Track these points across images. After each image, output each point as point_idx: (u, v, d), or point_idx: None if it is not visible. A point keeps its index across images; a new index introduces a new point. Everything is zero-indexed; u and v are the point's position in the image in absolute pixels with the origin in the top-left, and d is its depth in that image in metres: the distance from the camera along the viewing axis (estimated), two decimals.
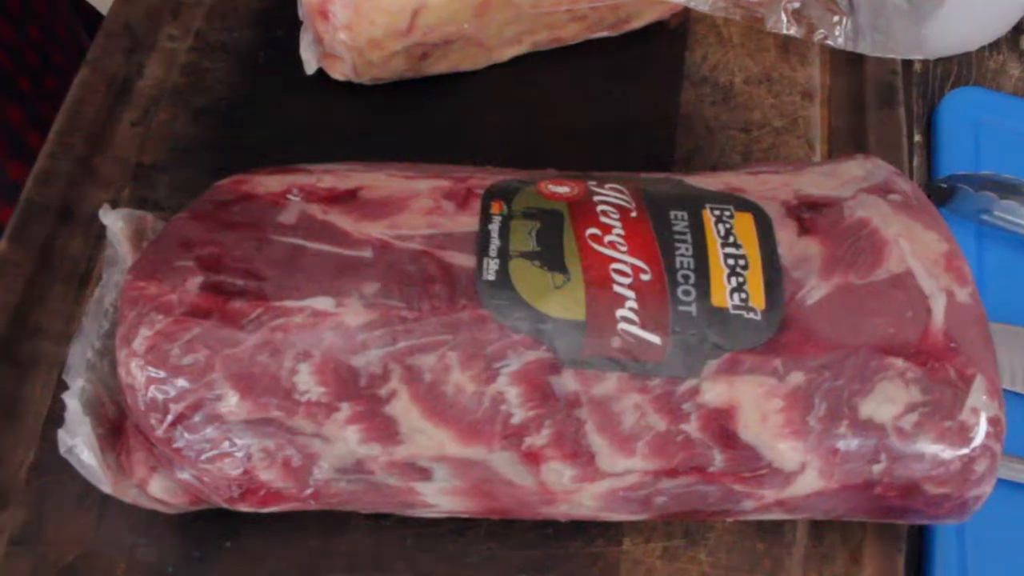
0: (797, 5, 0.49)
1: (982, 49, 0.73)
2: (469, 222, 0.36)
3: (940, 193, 0.63)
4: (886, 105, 0.51)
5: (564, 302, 0.34)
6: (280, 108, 0.48)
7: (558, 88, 0.50)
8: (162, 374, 0.33)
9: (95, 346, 0.37)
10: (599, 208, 0.36)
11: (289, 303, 0.33)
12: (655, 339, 0.34)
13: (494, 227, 0.35)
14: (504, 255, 0.34)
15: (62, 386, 0.42)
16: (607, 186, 0.38)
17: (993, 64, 0.72)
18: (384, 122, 0.48)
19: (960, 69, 0.72)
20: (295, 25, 0.49)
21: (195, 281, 0.34)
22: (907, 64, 0.65)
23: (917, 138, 0.68)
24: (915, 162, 0.64)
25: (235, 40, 0.50)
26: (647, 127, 0.49)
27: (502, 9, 0.46)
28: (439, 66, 0.48)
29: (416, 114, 0.48)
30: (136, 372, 0.33)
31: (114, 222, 0.38)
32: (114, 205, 0.46)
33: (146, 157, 0.47)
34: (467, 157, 0.47)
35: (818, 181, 0.40)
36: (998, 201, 0.61)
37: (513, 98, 0.49)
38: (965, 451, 0.35)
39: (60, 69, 0.64)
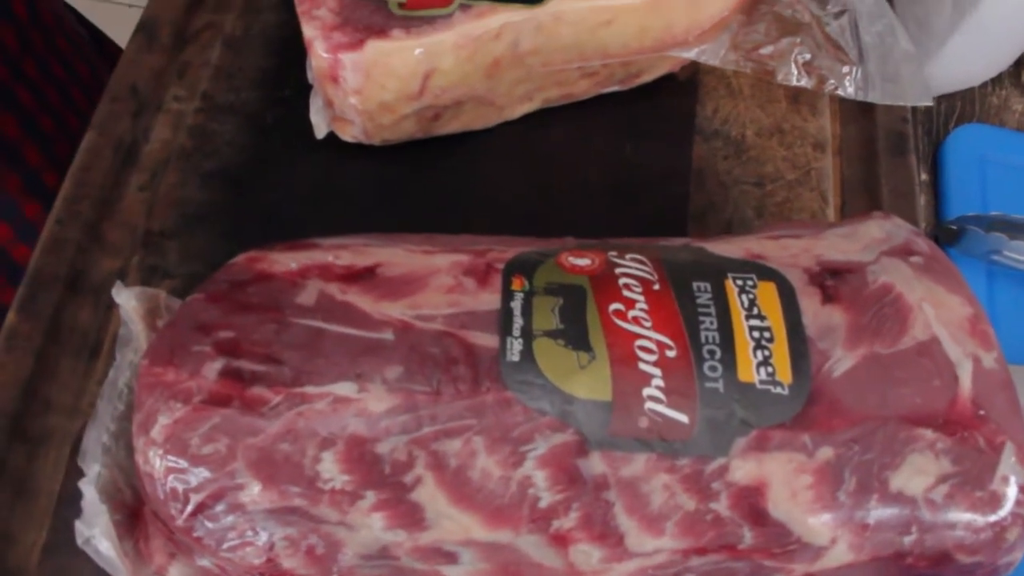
0: (808, 57, 0.49)
1: (984, 85, 0.73)
2: (490, 300, 0.35)
3: (950, 234, 0.63)
4: (897, 153, 0.51)
5: (590, 382, 0.33)
6: (289, 170, 0.48)
7: (569, 144, 0.49)
8: (182, 463, 0.32)
9: (110, 429, 0.36)
10: (621, 281, 0.36)
11: (310, 389, 0.33)
12: (682, 418, 0.33)
13: (516, 305, 0.35)
14: (527, 334, 0.34)
15: (74, 463, 0.41)
16: (628, 257, 0.37)
17: (996, 100, 0.72)
18: (395, 182, 0.48)
19: (964, 105, 0.72)
20: (302, 85, 0.48)
21: (213, 367, 0.33)
22: None
23: (923, 176, 0.68)
24: (922, 201, 0.64)
25: (242, 101, 0.50)
26: (660, 183, 0.48)
27: (513, 68, 0.46)
28: (450, 126, 0.48)
29: (427, 174, 0.48)
30: (155, 461, 0.33)
31: (127, 301, 0.37)
32: (123, 273, 0.45)
33: (155, 223, 0.46)
34: (480, 216, 0.47)
35: (839, 245, 0.39)
36: (1008, 242, 0.61)
37: (524, 155, 0.49)
38: (996, 519, 0.35)
39: (82, 111, 0.64)
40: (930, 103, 0.50)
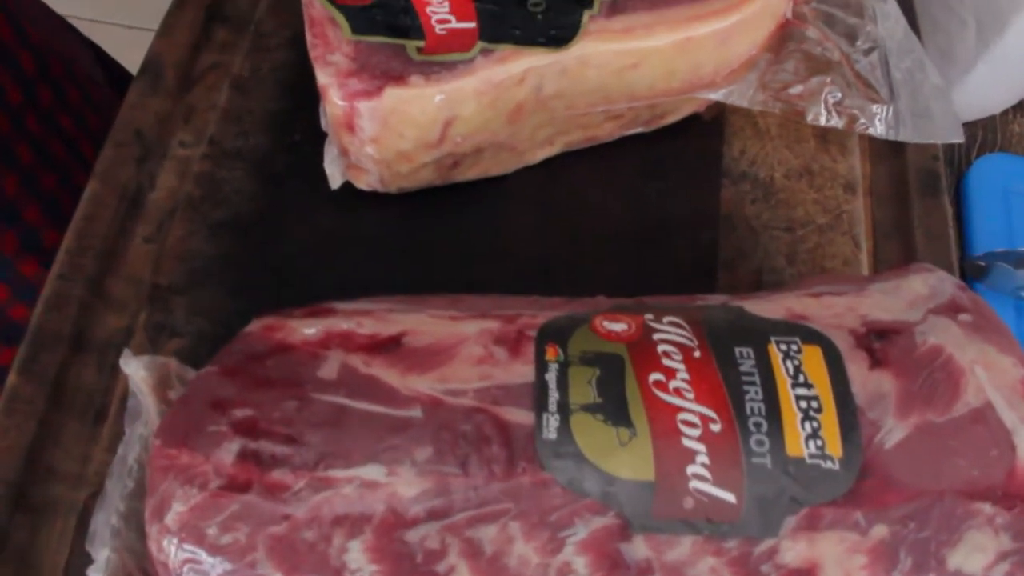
0: (838, 96, 0.47)
1: (1005, 112, 0.71)
2: (524, 371, 0.33)
3: (977, 270, 0.61)
4: (930, 194, 0.49)
5: (631, 461, 0.31)
6: (302, 219, 0.46)
7: (592, 188, 0.47)
8: (199, 553, 0.30)
9: (119, 509, 0.34)
10: (660, 348, 0.34)
11: (335, 473, 0.31)
12: (729, 497, 0.32)
13: (551, 377, 0.33)
14: (564, 409, 0.32)
15: (80, 534, 0.39)
16: (665, 320, 0.35)
17: (1018, 128, 0.71)
18: (413, 231, 0.46)
19: (985, 134, 0.71)
20: (313, 128, 0.46)
21: (231, 449, 0.31)
22: None
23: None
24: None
25: (251, 146, 0.47)
26: (687, 229, 0.47)
27: (535, 113, 0.44)
28: (470, 173, 0.46)
29: (446, 222, 0.46)
30: (170, 550, 0.31)
31: (136, 371, 0.35)
32: (129, 331, 0.43)
33: (161, 277, 0.44)
34: (501, 265, 0.45)
35: (884, 303, 0.38)
36: None
37: (546, 201, 0.47)
38: None
39: (90, 165, 0.62)
40: (961, 140, 0.49)
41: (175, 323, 0.43)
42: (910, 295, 0.38)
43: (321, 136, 0.46)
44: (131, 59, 0.90)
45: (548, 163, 0.48)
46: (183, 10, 0.51)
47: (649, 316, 0.36)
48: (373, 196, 0.45)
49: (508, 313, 0.35)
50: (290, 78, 0.50)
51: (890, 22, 0.49)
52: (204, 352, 0.42)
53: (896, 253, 0.48)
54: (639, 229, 0.47)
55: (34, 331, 0.43)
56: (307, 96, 0.46)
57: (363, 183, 0.45)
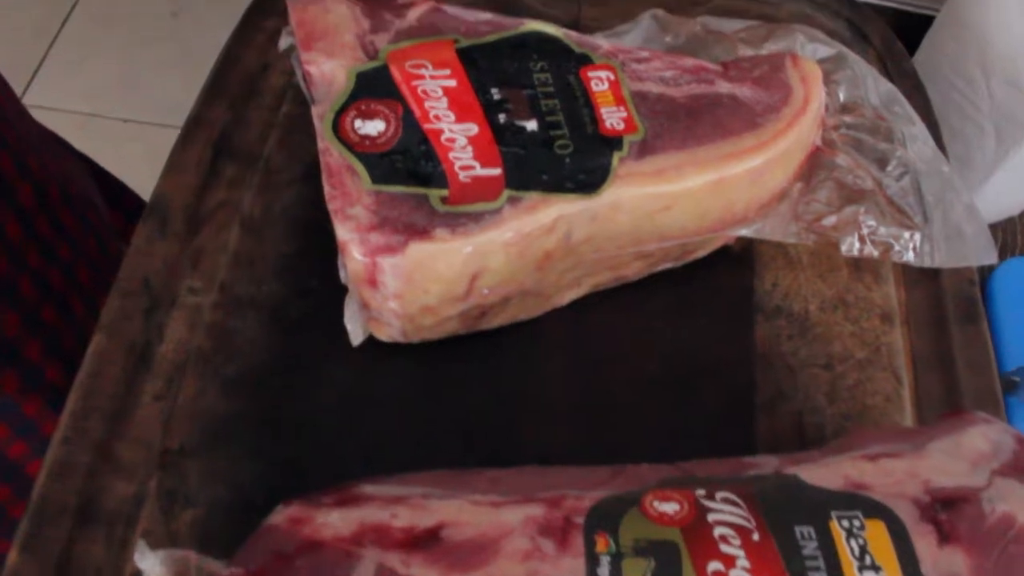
0: (873, 225, 0.45)
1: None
2: (574, 566, 0.31)
3: (1009, 384, 0.60)
4: (968, 322, 0.48)
5: None
6: (320, 372, 0.44)
7: (623, 330, 0.46)
8: None
9: None
10: (717, 532, 0.32)
11: None
12: None
13: (603, 572, 0.30)
14: None
15: None
16: (719, 497, 0.33)
17: None
18: (437, 383, 0.43)
19: (1005, 236, 0.69)
20: (329, 272, 0.44)
21: None
22: None
23: None
24: None
25: (264, 294, 0.45)
26: (722, 370, 0.45)
27: (564, 259, 0.42)
28: (496, 321, 0.44)
29: (473, 370, 0.44)
30: None
31: (152, 567, 0.32)
32: (139, 499, 0.40)
33: (172, 440, 0.42)
34: (529, 416, 0.43)
35: (945, 466, 0.36)
36: None
37: (574, 345, 0.45)
38: None
39: (87, 294, 0.59)
40: (994, 260, 0.47)
41: (188, 490, 0.40)
42: (971, 454, 0.36)
43: (338, 280, 0.44)
44: (127, 153, 0.89)
45: (577, 304, 0.46)
46: (189, 147, 0.50)
47: (700, 492, 0.33)
48: (395, 346, 0.43)
49: (552, 495, 0.33)
50: (303, 217, 0.48)
51: (918, 144, 0.48)
52: (220, 521, 0.40)
53: (938, 387, 0.46)
54: (673, 372, 0.45)
55: (37, 503, 0.40)
56: (322, 237, 0.44)
57: (384, 335, 0.43)
